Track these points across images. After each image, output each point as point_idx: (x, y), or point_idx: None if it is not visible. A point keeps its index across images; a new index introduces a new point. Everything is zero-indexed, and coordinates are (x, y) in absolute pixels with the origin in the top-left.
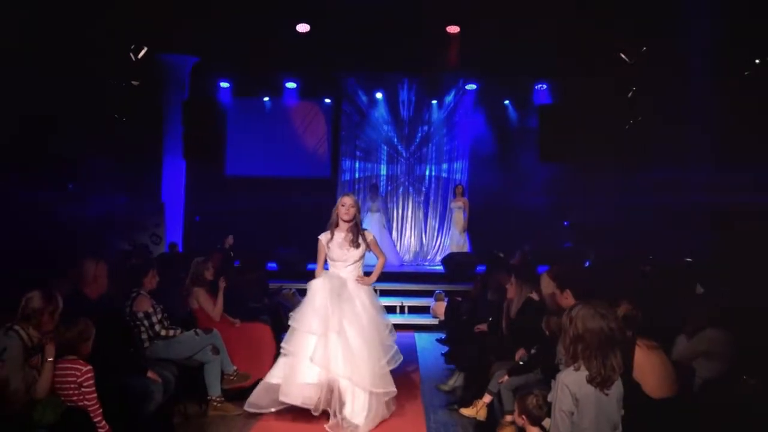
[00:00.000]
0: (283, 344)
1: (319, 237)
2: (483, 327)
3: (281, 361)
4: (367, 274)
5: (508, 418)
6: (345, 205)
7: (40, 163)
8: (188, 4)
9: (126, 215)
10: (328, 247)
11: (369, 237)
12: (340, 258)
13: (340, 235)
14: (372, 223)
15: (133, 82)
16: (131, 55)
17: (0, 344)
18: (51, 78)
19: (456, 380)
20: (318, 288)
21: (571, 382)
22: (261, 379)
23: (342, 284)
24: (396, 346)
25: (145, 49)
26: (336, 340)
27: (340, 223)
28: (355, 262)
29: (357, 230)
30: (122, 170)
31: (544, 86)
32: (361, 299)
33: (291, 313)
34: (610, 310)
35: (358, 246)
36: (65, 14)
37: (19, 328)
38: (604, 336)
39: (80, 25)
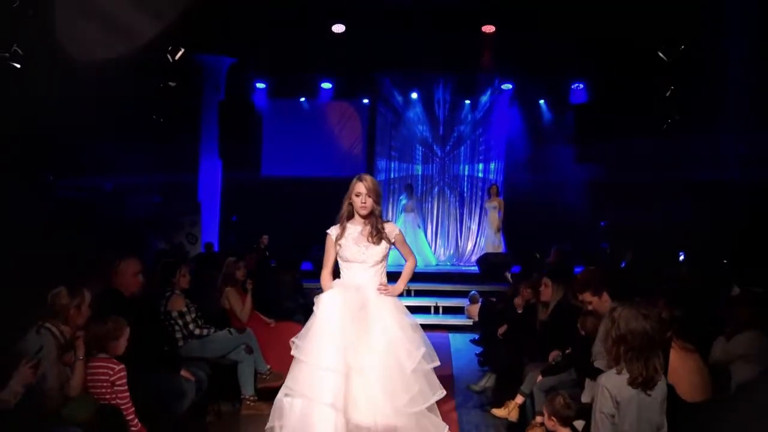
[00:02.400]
0: (288, 383)
1: (328, 231)
2: (502, 330)
3: (284, 403)
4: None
5: (539, 419)
6: (360, 195)
7: (78, 164)
8: (225, 6)
9: (162, 215)
10: (340, 245)
11: (394, 231)
12: (356, 258)
13: (356, 228)
14: (407, 223)
15: (170, 83)
16: (168, 56)
17: (35, 343)
18: (88, 79)
19: (487, 381)
20: (330, 309)
21: (612, 386)
22: None
23: (361, 302)
24: (434, 375)
25: (183, 50)
26: (357, 379)
27: (355, 215)
28: (377, 263)
29: (377, 221)
30: (159, 170)
31: (581, 86)
32: (386, 321)
33: (293, 340)
34: (653, 311)
35: (379, 241)
36: None
37: (51, 326)
38: (647, 337)
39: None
